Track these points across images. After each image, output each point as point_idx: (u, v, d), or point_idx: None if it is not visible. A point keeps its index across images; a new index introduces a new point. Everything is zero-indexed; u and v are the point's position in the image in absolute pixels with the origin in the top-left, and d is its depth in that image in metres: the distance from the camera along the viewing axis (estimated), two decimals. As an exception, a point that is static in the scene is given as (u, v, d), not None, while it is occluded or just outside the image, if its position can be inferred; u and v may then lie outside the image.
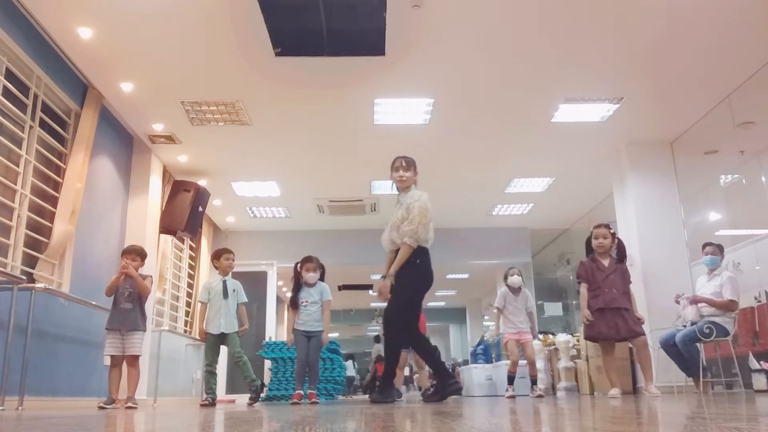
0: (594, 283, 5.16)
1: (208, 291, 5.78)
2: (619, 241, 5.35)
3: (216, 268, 5.96)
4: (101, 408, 4.66)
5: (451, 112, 6.82)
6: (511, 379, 6.33)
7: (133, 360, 5.03)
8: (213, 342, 5.63)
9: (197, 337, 5.77)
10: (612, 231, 5.27)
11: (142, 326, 5.11)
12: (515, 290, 6.39)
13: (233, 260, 5.87)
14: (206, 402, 5.41)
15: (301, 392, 5.34)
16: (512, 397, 6.06)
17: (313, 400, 5.31)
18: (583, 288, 5.21)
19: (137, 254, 5.17)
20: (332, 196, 9.53)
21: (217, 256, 5.91)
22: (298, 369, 5.50)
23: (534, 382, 6.33)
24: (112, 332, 4.99)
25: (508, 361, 7.21)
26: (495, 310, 6.51)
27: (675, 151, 7.61)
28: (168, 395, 7.86)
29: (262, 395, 7.21)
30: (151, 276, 5.35)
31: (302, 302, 5.56)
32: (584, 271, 5.24)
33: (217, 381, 5.77)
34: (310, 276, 5.62)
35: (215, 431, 1.93)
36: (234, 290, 5.77)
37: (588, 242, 5.40)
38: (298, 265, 5.73)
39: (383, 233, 4.75)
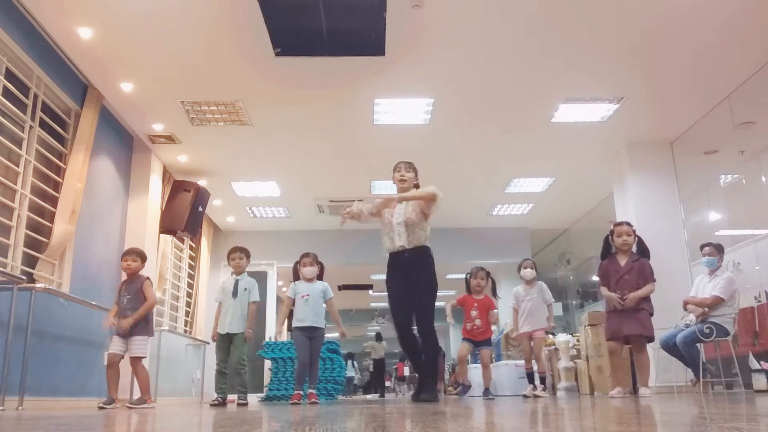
0: (610, 284, 5.24)
1: (222, 290, 5.74)
2: (639, 238, 5.36)
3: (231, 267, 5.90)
4: (101, 408, 4.65)
5: (451, 112, 6.82)
6: (530, 377, 6.26)
7: (134, 362, 4.96)
8: (222, 342, 5.60)
9: (211, 339, 5.74)
10: (633, 228, 5.33)
11: (146, 331, 5.02)
12: (528, 283, 6.30)
13: (240, 259, 5.73)
14: (216, 402, 5.40)
15: (301, 393, 5.33)
16: (526, 396, 6.01)
17: (313, 400, 5.30)
18: (604, 290, 5.31)
19: (137, 255, 5.13)
20: (332, 196, 9.52)
21: (227, 255, 5.86)
22: (299, 369, 5.43)
23: (542, 380, 6.24)
24: (118, 336, 4.96)
25: (509, 362, 7.20)
26: (512, 310, 6.47)
27: (675, 151, 7.61)
28: (168, 395, 7.85)
29: (261, 395, 7.19)
30: (149, 278, 5.24)
31: (303, 295, 5.48)
32: (602, 273, 5.35)
33: (228, 381, 5.72)
34: (307, 270, 5.56)
35: (215, 431, 1.93)
36: (246, 289, 5.67)
37: (606, 241, 5.41)
38: (297, 263, 5.73)
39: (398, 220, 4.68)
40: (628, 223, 5.40)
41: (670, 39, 5.48)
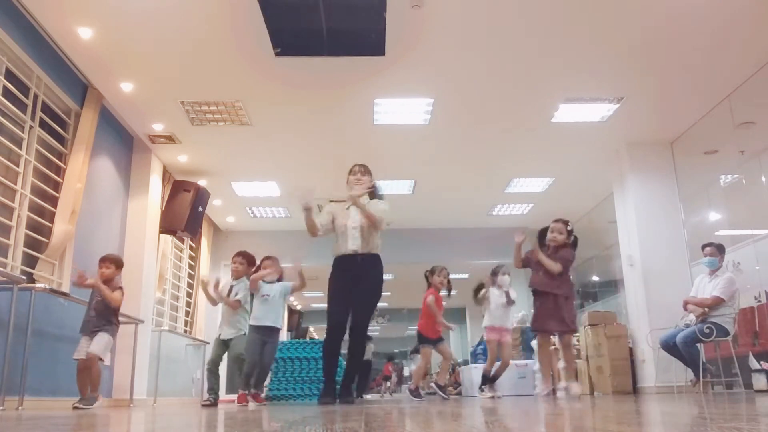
0: (531, 265, 5.28)
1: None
2: (575, 239, 5.34)
3: None
4: (75, 408, 4.51)
5: (451, 112, 6.82)
6: (485, 379, 6.31)
7: (92, 359, 4.73)
8: (218, 343, 5.62)
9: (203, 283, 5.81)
10: (569, 228, 5.29)
11: (109, 329, 4.86)
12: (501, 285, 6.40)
13: (240, 264, 5.62)
14: (207, 402, 5.40)
15: (246, 393, 5.34)
16: (491, 398, 6.08)
17: (259, 402, 5.29)
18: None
19: (111, 262, 5.00)
20: (332, 196, 9.50)
21: (232, 259, 5.78)
22: (248, 370, 5.35)
23: (493, 380, 6.28)
24: (83, 337, 4.83)
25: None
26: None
27: (675, 151, 7.61)
28: (168, 395, 7.86)
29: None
30: (122, 288, 5.07)
31: (264, 294, 5.40)
32: (525, 258, 5.36)
33: (219, 382, 5.73)
34: (267, 272, 5.48)
35: (215, 431, 1.93)
36: (236, 293, 5.60)
37: (542, 233, 5.44)
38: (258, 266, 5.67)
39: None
40: (565, 222, 5.33)
41: (670, 39, 5.47)
